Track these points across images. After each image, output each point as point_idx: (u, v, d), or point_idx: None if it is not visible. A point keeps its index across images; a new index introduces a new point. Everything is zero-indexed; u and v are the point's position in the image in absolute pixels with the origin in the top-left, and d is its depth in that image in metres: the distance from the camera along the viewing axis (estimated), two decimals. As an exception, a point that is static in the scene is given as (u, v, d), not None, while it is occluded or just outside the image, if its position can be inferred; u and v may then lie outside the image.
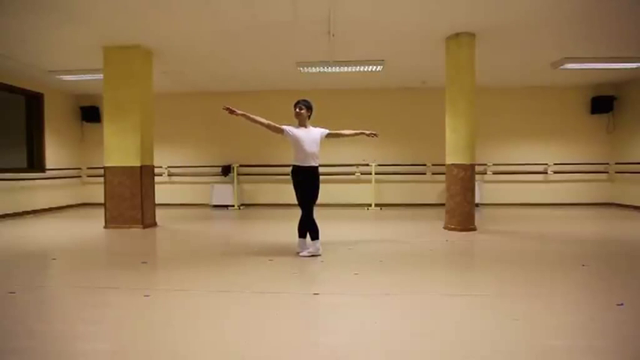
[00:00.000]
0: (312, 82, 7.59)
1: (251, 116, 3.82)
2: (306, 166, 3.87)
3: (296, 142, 3.86)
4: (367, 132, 4.20)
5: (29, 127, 7.75)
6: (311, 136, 3.90)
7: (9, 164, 7.24)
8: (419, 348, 1.99)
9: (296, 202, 3.95)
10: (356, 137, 4.37)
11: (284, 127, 3.88)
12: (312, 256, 3.91)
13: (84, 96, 8.77)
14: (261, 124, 3.88)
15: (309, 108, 3.97)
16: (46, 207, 7.89)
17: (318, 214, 4.06)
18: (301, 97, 4.06)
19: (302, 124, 3.96)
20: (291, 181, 3.95)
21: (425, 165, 8.40)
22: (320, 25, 4.74)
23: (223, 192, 8.33)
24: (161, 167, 8.48)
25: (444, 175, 5.66)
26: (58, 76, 6.79)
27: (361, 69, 6.32)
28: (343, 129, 4.21)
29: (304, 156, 3.86)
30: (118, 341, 2.10)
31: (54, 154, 8.11)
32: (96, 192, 8.38)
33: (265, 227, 5.95)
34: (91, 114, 8.66)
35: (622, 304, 2.51)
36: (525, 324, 2.24)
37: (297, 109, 3.93)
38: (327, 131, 4.06)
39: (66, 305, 2.69)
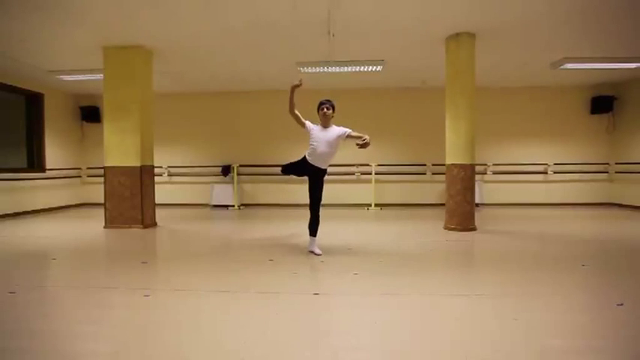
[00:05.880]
0: (312, 82, 7.58)
1: (293, 96, 3.81)
2: (313, 165, 3.89)
3: (311, 140, 3.85)
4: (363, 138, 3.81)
5: (29, 127, 7.75)
6: (326, 137, 3.80)
7: (9, 164, 7.24)
8: (419, 348, 1.99)
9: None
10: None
11: (307, 122, 3.88)
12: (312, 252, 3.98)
13: (84, 96, 8.77)
14: (292, 107, 3.82)
15: (334, 108, 3.88)
16: (46, 207, 7.89)
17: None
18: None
19: (325, 124, 3.86)
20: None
21: (425, 165, 8.40)
22: (320, 25, 4.73)
23: (223, 192, 8.32)
24: (161, 167, 8.48)
25: (444, 175, 5.66)
26: (58, 76, 6.79)
27: (361, 69, 6.31)
28: (353, 130, 3.90)
29: (314, 156, 3.86)
30: (118, 341, 2.10)
31: (54, 154, 8.11)
32: (96, 192, 8.38)
33: (265, 227, 5.95)
34: (91, 114, 8.66)
35: (622, 304, 2.51)
36: (525, 324, 2.24)
37: (325, 109, 3.81)
38: (349, 131, 3.81)
39: (66, 305, 2.69)
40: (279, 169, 4.27)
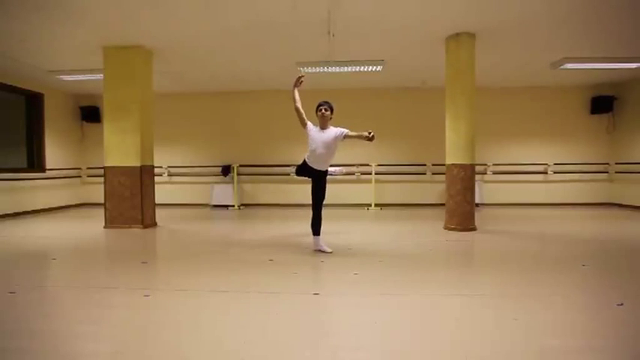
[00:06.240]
0: (312, 82, 7.58)
1: (296, 93, 3.87)
2: (312, 167, 3.93)
3: (309, 141, 3.87)
4: (366, 134, 3.71)
5: (29, 127, 7.75)
6: (323, 138, 3.80)
7: (9, 164, 7.24)
8: (419, 348, 1.99)
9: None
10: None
11: (308, 123, 3.89)
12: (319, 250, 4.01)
13: (84, 96, 8.77)
14: (295, 101, 3.86)
15: (333, 110, 3.89)
16: (46, 207, 7.89)
17: (318, 214, 4.06)
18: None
19: (323, 126, 3.85)
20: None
21: (425, 165, 8.40)
22: (320, 25, 4.73)
23: (223, 192, 8.32)
24: (161, 167, 8.48)
25: (444, 175, 5.66)
26: (58, 76, 6.79)
27: (361, 69, 6.31)
28: (351, 130, 3.85)
29: (312, 158, 3.90)
30: (118, 341, 2.10)
31: (54, 154, 8.11)
32: (96, 192, 8.38)
33: (265, 227, 5.94)
34: (91, 114, 8.66)
35: (622, 304, 2.51)
36: (525, 324, 2.24)
37: (323, 110, 3.81)
38: (346, 131, 3.81)
39: (66, 305, 2.69)
40: (286, 170, 4.35)
